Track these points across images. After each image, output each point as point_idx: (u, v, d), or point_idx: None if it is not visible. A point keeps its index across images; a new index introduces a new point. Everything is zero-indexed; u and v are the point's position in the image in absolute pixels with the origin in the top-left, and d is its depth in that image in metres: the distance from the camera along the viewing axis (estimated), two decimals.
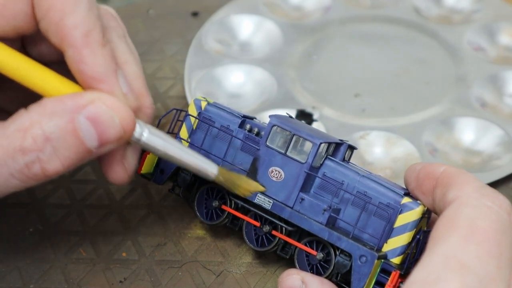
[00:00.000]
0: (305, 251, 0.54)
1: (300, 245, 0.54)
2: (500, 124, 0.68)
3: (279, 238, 0.55)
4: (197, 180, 0.58)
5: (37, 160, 0.47)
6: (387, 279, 0.50)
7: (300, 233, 0.54)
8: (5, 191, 0.49)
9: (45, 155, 0.47)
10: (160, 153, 0.51)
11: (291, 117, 0.56)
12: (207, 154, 0.56)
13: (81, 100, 0.48)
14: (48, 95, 0.49)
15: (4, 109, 0.57)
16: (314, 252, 0.53)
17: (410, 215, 0.51)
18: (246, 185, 0.54)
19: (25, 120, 0.47)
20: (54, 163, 0.48)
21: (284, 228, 0.54)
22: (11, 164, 0.47)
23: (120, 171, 0.52)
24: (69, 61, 0.49)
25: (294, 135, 0.53)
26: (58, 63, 0.52)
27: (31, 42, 0.54)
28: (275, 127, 0.54)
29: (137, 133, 0.50)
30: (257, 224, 0.55)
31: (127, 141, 0.50)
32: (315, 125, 0.69)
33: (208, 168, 0.53)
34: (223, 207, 0.56)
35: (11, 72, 0.49)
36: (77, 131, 0.47)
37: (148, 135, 0.50)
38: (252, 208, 0.55)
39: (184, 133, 0.57)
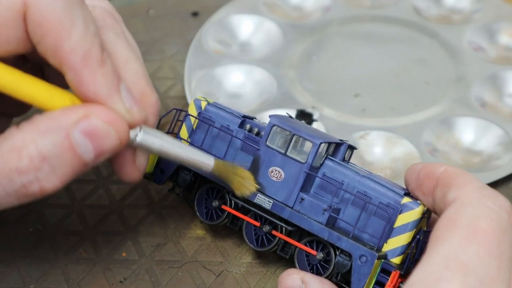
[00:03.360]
0: (305, 251, 0.54)
1: (300, 245, 0.54)
2: (500, 124, 0.68)
3: (279, 238, 0.55)
4: (197, 180, 0.58)
5: (35, 180, 0.47)
6: (387, 279, 0.50)
7: (300, 233, 0.54)
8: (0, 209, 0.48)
9: (43, 173, 0.47)
10: (155, 151, 0.51)
11: (291, 117, 0.56)
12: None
13: (74, 115, 0.47)
14: (44, 108, 0.48)
15: (7, 114, 0.57)
16: (314, 252, 0.53)
17: (410, 215, 0.51)
18: (242, 177, 0.53)
19: (18, 139, 0.47)
20: (53, 180, 0.47)
21: (284, 228, 0.54)
22: (7, 184, 0.47)
23: (132, 171, 0.53)
24: (70, 83, 0.48)
25: (294, 135, 0.53)
26: None
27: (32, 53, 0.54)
28: (275, 127, 0.54)
29: (131, 137, 0.50)
30: (257, 224, 0.55)
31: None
32: (315, 125, 0.69)
33: (205, 161, 0.53)
34: (223, 207, 0.56)
35: (3, 88, 0.48)
36: (73, 147, 0.47)
37: (142, 136, 0.50)
38: (252, 208, 0.55)
39: (184, 133, 0.57)
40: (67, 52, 0.47)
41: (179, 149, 0.52)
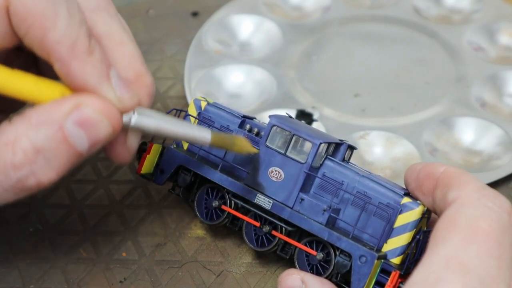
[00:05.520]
0: (305, 251, 0.54)
1: (300, 245, 0.54)
2: (500, 124, 0.68)
3: (279, 238, 0.55)
4: (197, 180, 0.58)
5: (31, 174, 0.46)
6: (387, 279, 0.50)
7: (300, 233, 0.54)
8: None
9: (38, 167, 0.46)
10: (152, 132, 0.51)
11: (290, 117, 0.56)
12: (207, 154, 0.57)
13: (65, 106, 0.47)
14: (33, 102, 0.48)
15: (3, 110, 0.57)
16: (314, 252, 0.53)
17: (410, 215, 0.51)
18: (240, 144, 0.53)
19: (11, 134, 0.46)
20: (48, 173, 0.47)
21: (284, 228, 0.54)
22: (3, 180, 0.46)
23: (123, 152, 0.52)
24: (59, 74, 0.48)
25: (294, 135, 0.53)
26: None
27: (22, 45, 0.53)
28: (274, 127, 0.54)
29: (125, 120, 0.49)
30: (257, 224, 0.55)
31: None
32: (315, 125, 0.69)
33: (202, 135, 0.52)
34: (223, 207, 0.56)
35: None
36: (67, 138, 0.47)
37: (136, 118, 0.50)
38: (252, 208, 0.55)
39: None
40: (53, 43, 0.47)
41: (175, 127, 0.51)
